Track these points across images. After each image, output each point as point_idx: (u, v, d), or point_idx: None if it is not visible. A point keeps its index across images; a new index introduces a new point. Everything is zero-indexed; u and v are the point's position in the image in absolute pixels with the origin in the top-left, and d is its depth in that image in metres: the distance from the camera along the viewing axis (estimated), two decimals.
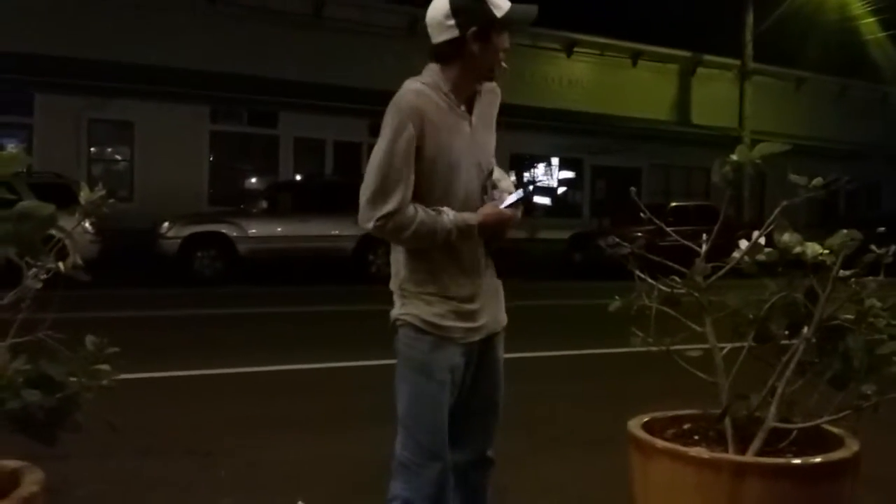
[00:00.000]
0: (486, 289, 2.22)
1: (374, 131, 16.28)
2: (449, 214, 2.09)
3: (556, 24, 20.85)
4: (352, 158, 18.65)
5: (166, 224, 12.86)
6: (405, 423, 2.18)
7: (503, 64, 2.15)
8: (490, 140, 2.25)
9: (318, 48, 17.81)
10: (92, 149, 16.65)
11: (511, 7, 2.10)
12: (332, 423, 4.61)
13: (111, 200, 2.08)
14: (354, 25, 18.33)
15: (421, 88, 2.12)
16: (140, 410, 4.57)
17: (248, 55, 16.90)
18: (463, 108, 2.17)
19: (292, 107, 17.56)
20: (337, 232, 13.60)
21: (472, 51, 2.09)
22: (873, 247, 1.76)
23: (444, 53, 2.12)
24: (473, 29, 2.06)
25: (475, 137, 2.18)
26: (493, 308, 2.26)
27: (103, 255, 11.23)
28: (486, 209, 2.14)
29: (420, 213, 2.07)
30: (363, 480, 3.48)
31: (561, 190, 22.42)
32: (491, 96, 2.28)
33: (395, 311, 2.25)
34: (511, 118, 22.83)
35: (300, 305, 10.20)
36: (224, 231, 12.97)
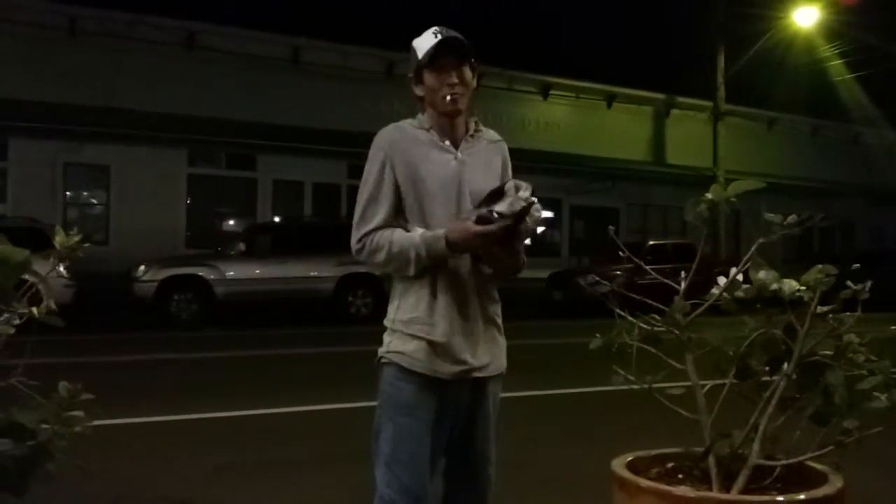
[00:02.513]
0: (479, 328, 2.19)
1: (354, 173, 16.55)
2: (418, 230, 2.13)
3: (532, 68, 21.25)
4: (331, 200, 18.70)
5: (142, 267, 12.74)
6: (388, 463, 2.15)
7: (447, 98, 2.22)
8: (487, 181, 2.26)
9: (297, 92, 17.95)
10: (67, 193, 16.56)
11: (429, 45, 2.22)
12: (315, 467, 4.53)
13: (86, 244, 2.06)
14: (332, 69, 18.52)
15: (400, 124, 2.28)
16: (115, 457, 4.47)
17: (226, 99, 16.99)
18: (448, 142, 2.26)
19: (271, 150, 17.62)
20: (316, 273, 13.54)
21: (418, 93, 2.28)
22: (849, 283, 1.78)
23: (419, 99, 2.31)
24: (410, 75, 2.29)
25: (463, 171, 2.23)
26: (486, 349, 2.21)
27: (78, 299, 11.08)
28: (454, 223, 2.11)
29: (396, 233, 2.14)
30: None
31: (540, 229, 22.57)
32: (494, 146, 2.40)
33: (382, 349, 2.23)
34: None
35: (279, 348, 10.10)
36: (201, 274, 12.87)
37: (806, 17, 20.05)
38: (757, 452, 1.73)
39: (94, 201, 17.17)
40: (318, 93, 18.13)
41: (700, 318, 1.94)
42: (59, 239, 2.00)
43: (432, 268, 2.14)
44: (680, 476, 1.83)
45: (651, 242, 16.83)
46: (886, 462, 2.89)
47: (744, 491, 1.69)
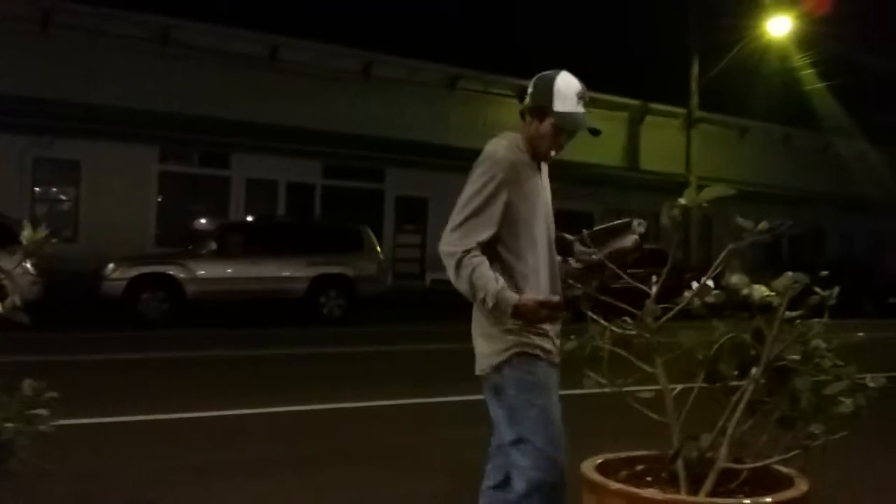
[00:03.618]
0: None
1: (329, 173, 16.43)
2: (499, 282, 2.25)
3: (509, 72, 21.33)
4: (305, 200, 18.60)
5: (111, 265, 12.55)
6: (537, 446, 2.23)
7: (552, 153, 2.44)
8: (549, 199, 2.51)
9: (272, 90, 17.83)
10: (36, 188, 16.29)
11: (571, 112, 2.41)
12: (283, 469, 4.49)
13: (54, 240, 2.02)
14: (309, 68, 18.43)
15: (512, 144, 2.41)
16: (80, 457, 4.40)
17: (201, 96, 16.83)
18: (535, 164, 2.46)
19: (245, 148, 17.49)
20: (288, 274, 13.45)
21: (529, 122, 2.45)
22: (818, 289, 1.80)
23: (521, 115, 2.49)
24: (532, 105, 2.43)
25: (543, 193, 2.47)
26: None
27: (45, 296, 10.88)
28: (527, 296, 2.26)
29: (483, 265, 2.25)
30: None
31: None
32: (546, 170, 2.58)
33: (499, 347, 2.31)
34: (465, 162, 23.10)
35: (250, 349, 10.01)
36: (171, 272, 12.71)
37: (779, 27, 20.34)
38: (725, 456, 1.74)
39: (64, 197, 16.91)
40: (294, 91, 18.04)
41: (671, 323, 1.96)
42: (26, 234, 1.96)
43: (539, 271, 2.33)
44: (649, 478, 1.85)
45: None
46: (851, 466, 2.94)
47: (711, 494, 1.70)
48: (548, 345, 2.31)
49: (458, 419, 6.01)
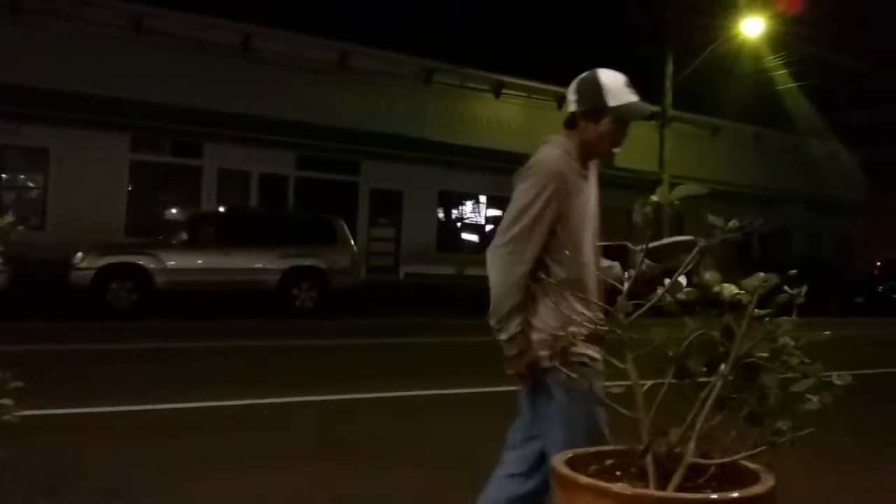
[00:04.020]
0: None
1: (303, 164, 16.33)
2: (516, 322, 2.33)
3: (485, 66, 21.33)
4: (278, 191, 18.47)
5: (79, 254, 12.37)
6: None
7: (614, 150, 2.42)
8: (596, 204, 2.49)
9: (246, 79, 17.66)
10: (3, 175, 15.99)
11: (626, 102, 2.37)
12: (256, 461, 4.46)
13: (21, 228, 1.99)
14: (283, 58, 18.27)
15: (563, 154, 2.39)
16: (46, 448, 4.34)
17: (173, 84, 16.62)
18: (585, 172, 2.44)
19: (217, 138, 17.32)
20: (261, 265, 13.36)
21: (583, 127, 2.40)
22: (786, 288, 1.83)
23: (569, 123, 2.44)
24: (584, 109, 2.38)
25: (591, 201, 2.44)
26: None
27: (12, 285, 10.71)
28: (526, 356, 2.34)
29: (520, 294, 2.32)
30: None
31: (489, 227, 22.69)
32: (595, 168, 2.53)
33: (552, 353, 2.30)
34: (440, 155, 23.17)
35: (221, 340, 9.93)
36: (141, 262, 12.56)
37: (752, 28, 20.56)
38: (693, 451, 1.76)
39: (31, 185, 16.62)
40: (268, 82, 17.88)
41: (643, 319, 1.97)
42: None
43: (583, 279, 2.39)
44: (618, 473, 1.86)
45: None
46: (817, 462, 2.99)
47: (679, 488, 1.72)
48: (593, 352, 2.32)
49: (436, 411, 6.02)
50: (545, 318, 2.37)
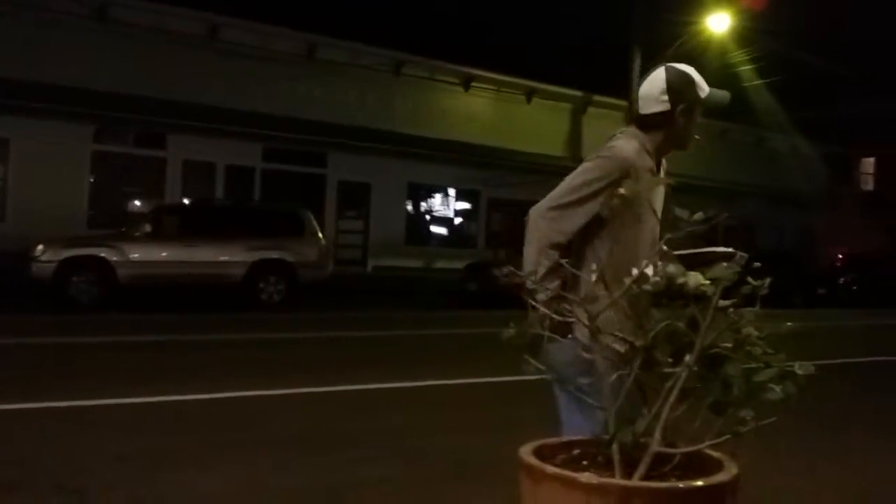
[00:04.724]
0: None
1: (268, 156, 16.16)
2: (550, 285, 2.27)
3: (454, 59, 21.30)
4: (244, 183, 18.28)
5: (41, 247, 12.13)
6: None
7: (694, 139, 2.50)
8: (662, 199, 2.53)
9: (213, 70, 17.45)
10: None
11: (711, 91, 2.50)
12: (221, 457, 4.42)
13: None
14: (251, 49, 18.07)
15: (640, 148, 2.42)
16: (4, 443, 4.25)
17: (137, 74, 16.35)
18: (657, 167, 2.48)
19: (182, 129, 17.08)
20: (226, 258, 13.22)
21: (679, 123, 2.46)
22: (750, 279, 1.85)
23: (652, 123, 2.47)
24: (682, 106, 2.45)
25: (658, 199, 2.48)
26: None
27: None
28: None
29: (549, 260, 2.30)
30: None
31: (458, 220, 22.71)
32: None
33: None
34: (409, 148, 23.04)
35: (185, 334, 9.81)
36: (103, 255, 12.35)
37: (719, 24, 20.80)
38: (658, 441, 1.77)
39: None
40: (234, 72, 17.68)
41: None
42: None
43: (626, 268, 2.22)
44: (585, 462, 1.87)
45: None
46: (780, 450, 3.06)
47: (644, 477, 1.73)
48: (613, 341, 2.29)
49: (401, 405, 6.01)
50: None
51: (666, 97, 2.45)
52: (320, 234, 14.34)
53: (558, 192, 2.38)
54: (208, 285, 13.21)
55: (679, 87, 2.46)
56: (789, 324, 1.90)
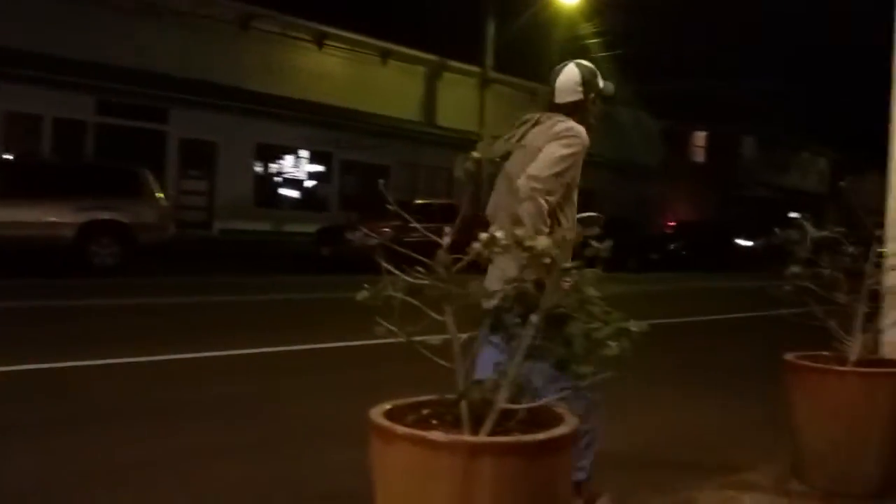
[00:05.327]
0: None
1: (102, 109, 15.17)
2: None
3: (307, 15, 20.69)
4: (75, 138, 16.96)
5: None
6: None
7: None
8: None
9: (41, 15, 15.98)
10: None
11: (605, 83, 3.07)
12: (55, 429, 4.15)
13: None
14: None
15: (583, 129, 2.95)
16: None
17: None
18: None
19: (6, 77, 15.57)
20: (55, 219, 12.29)
21: (590, 109, 3.03)
22: (593, 242, 1.94)
23: (567, 110, 2.97)
24: (591, 95, 3.02)
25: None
26: None
27: None
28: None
29: (543, 216, 2.74)
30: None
31: (310, 183, 22.28)
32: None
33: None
34: (258, 106, 22.25)
35: (7, 300, 9.04)
36: None
37: None
38: (504, 398, 1.84)
39: None
40: (66, 18, 16.30)
41: (462, 274, 2.02)
42: None
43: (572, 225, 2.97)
44: (434, 422, 1.91)
45: (418, 201, 17.29)
46: (618, 404, 3.27)
47: (491, 433, 1.80)
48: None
49: (252, 372, 5.87)
50: None
51: (581, 88, 2.97)
52: (160, 195, 13.62)
53: (545, 165, 2.77)
54: (34, 248, 12.23)
55: (590, 80, 2.99)
56: (623, 286, 2.01)
